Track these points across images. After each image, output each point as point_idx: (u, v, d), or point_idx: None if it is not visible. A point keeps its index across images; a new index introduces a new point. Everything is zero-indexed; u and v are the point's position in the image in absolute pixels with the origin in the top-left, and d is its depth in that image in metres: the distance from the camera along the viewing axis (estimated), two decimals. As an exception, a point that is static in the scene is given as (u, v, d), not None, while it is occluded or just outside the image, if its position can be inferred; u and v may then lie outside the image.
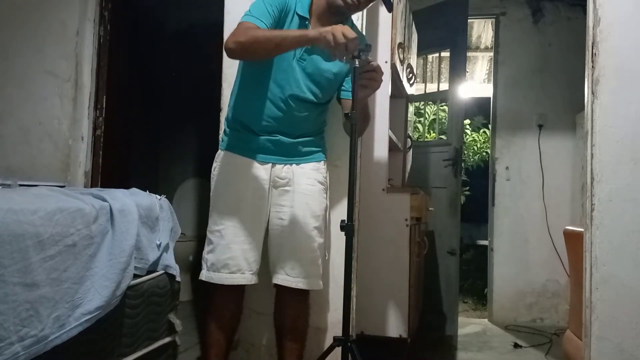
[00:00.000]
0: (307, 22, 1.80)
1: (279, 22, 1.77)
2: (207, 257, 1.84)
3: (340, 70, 1.86)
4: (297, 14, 1.80)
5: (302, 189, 1.87)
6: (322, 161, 1.95)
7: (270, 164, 1.87)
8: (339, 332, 1.78)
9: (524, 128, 4.03)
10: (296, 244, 1.85)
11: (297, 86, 1.82)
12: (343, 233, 1.78)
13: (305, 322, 1.94)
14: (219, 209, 1.86)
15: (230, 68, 2.14)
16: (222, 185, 1.89)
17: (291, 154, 1.88)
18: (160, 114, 4.30)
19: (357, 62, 1.60)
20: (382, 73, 1.72)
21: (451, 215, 3.47)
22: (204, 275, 1.82)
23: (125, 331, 1.58)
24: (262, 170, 1.87)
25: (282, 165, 1.88)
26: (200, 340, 1.99)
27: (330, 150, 2.11)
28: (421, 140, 5.11)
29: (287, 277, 1.85)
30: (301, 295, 1.88)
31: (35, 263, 1.23)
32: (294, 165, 1.88)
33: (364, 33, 2.19)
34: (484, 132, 6.20)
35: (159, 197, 1.86)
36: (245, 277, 1.83)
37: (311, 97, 1.84)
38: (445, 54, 3.95)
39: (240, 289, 1.88)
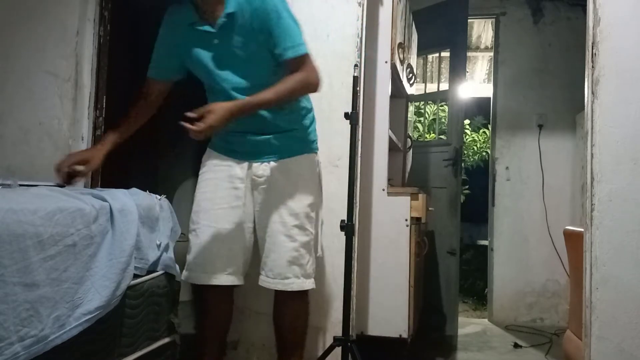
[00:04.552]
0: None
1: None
2: (187, 256, 1.86)
3: (253, 49, 1.76)
4: None
5: (278, 186, 1.83)
6: (305, 154, 1.88)
7: (247, 163, 1.85)
8: (339, 332, 1.78)
9: (524, 128, 4.03)
10: (274, 244, 1.82)
11: (220, 82, 1.80)
12: (343, 233, 1.78)
13: (305, 322, 1.94)
14: (195, 207, 1.87)
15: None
16: (200, 183, 1.90)
17: (267, 151, 1.85)
18: (161, 114, 4.29)
19: (355, 71, 1.61)
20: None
21: (451, 215, 3.47)
22: (183, 275, 1.84)
23: (125, 331, 1.57)
24: (238, 169, 1.85)
25: (260, 163, 1.85)
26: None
27: (330, 150, 2.11)
28: (421, 140, 5.11)
29: (266, 279, 1.83)
30: (299, 295, 1.86)
31: (35, 263, 1.22)
32: (272, 162, 1.85)
33: (364, 33, 2.20)
34: (484, 132, 6.21)
35: (159, 197, 1.86)
36: (220, 277, 1.83)
37: (242, 82, 1.78)
38: (445, 54, 3.94)
39: (225, 289, 1.87)
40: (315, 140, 1.95)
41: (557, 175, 3.94)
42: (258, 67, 1.78)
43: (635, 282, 1.91)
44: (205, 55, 1.80)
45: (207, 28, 1.76)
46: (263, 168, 1.84)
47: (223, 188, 1.85)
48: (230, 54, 1.77)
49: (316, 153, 1.94)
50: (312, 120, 1.95)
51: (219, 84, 1.81)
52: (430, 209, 3.13)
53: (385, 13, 2.45)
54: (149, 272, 1.70)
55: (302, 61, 1.75)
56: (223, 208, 1.84)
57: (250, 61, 1.77)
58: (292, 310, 1.88)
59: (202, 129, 1.59)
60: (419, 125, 5.59)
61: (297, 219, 1.82)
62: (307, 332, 1.95)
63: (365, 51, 2.21)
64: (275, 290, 1.87)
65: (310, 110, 1.94)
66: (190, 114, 1.60)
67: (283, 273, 1.81)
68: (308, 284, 1.86)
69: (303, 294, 1.89)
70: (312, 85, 1.77)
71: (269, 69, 1.78)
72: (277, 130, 1.85)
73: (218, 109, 1.61)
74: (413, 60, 3.31)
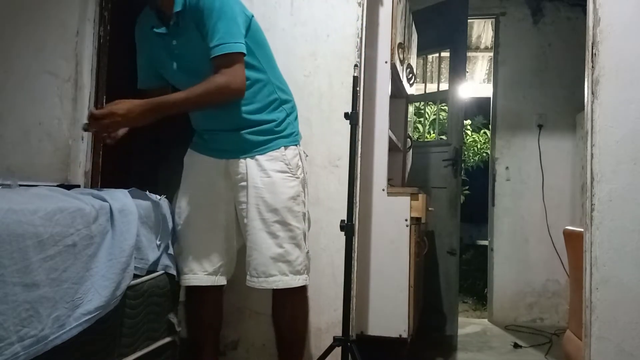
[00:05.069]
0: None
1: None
2: None
3: (199, 47, 1.72)
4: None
5: (255, 182, 1.78)
6: (282, 147, 1.82)
7: (224, 160, 1.83)
8: (339, 332, 1.78)
9: (524, 128, 4.03)
10: (255, 242, 1.78)
11: (178, 83, 1.81)
12: (343, 233, 1.78)
13: (304, 322, 1.93)
14: (177, 209, 1.87)
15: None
16: (181, 184, 1.90)
17: (244, 147, 1.80)
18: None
19: (355, 71, 1.64)
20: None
21: (451, 215, 3.47)
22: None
23: (125, 331, 1.57)
24: (216, 167, 1.84)
25: (237, 160, 1.81)
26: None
27: (330, 150, 2.11)
28: (421, 140, 5.11)
29: (250, 278, 1.80)
30: (296, 294, 1.84)
31: (35, 263, 1.22)
32: (248, 158, 1.80)
33: (364, 33, 2.20)
34: (484, 132, 6.21)
35: (159, 197, 1.86)
36: (198, 277, 1.82)
37: (196, 81, 1.70)
38: (445, 54, 3.94)
39: (209, 289, 1.86)
40: (295, 131, 1.88)
41: (557, 175, 3.94)
42: (208, 64, 1.70)
43: (635, 282, 1.91)
44: (167, 58, 1.80)
45: (163, 30, 1.76)
46: (240, 164, 1.80)
47: (201, 187, 1.85)
48: (184, 53, 1.77)
49: (297, 145, 1.87)
50: (290, 112, 1.89)
51: (180, 85, 1.80)
52: (430, 209, 3.13)
53: (385, 13, 2.45)
54: (149, 272, 1.70)
55: (227, 62, 1.64)
56: (201, 208, 1.84)
57: (200, 59, 1.72)
58: (291, 310, 1.87)
59: (100, 113, 1.61)
60: (419, 126, 5.59)
61: (277, 215, 1.77)
62: (306, 332, 1.95)
63: (365, 51, 2.21)
64: (273, 290, 1.85)
65: (286, 101, 1.87)
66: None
67: (267, 271, 1.76)
68: (298, 281, 1.80)
69: (300, 293, 1.87)
70: (231, 90, 1.66)
71: None
72: (251, 125, 1.80)
73: (125, 102, 1.61)
74: (413, 60, 3.30)
